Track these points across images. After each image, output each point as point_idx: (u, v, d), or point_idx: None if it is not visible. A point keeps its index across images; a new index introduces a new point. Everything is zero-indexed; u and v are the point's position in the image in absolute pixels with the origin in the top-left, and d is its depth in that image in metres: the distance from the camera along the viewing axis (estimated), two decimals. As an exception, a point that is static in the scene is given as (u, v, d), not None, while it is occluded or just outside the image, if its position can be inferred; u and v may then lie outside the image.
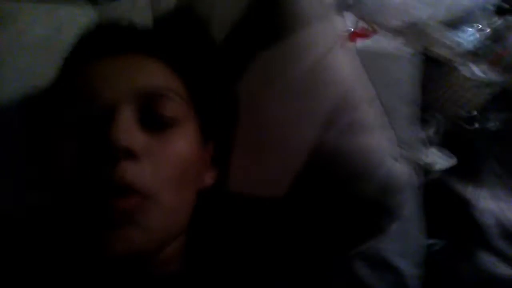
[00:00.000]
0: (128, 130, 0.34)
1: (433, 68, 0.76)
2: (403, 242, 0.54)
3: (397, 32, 0.72)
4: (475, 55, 0.78)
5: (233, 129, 0.48)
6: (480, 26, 0.78)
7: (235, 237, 0.47)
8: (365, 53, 0.68)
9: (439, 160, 0.72)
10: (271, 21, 0.49)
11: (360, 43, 0.67)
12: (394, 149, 0.51)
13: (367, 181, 0.47)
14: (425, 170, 0.70)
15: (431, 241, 0.66)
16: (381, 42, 0.68)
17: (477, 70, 0.76)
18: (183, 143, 0.39)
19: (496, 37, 0.80)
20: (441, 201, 0.69)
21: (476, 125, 0.77)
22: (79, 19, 0.54)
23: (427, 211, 0.63)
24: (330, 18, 0.52)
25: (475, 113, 0.78)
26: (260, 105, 0.49)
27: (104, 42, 0.42)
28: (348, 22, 0.68)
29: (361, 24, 0.70)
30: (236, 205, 0.48)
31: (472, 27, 0.77)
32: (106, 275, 0.37)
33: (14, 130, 0.47)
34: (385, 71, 0.69)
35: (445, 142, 0.78)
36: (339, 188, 0.48)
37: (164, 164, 0.36)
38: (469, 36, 0.77)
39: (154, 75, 0.40)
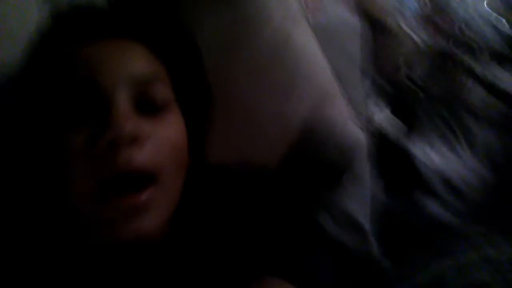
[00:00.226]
0: (128, 116, 0.35)
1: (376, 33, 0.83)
2: (358, 189, 0.62)
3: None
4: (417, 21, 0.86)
5: (208, 106, 0.51)
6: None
7: (214, 206, 0.50)
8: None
9: (385, 119, 0.80)
10: None
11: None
12: (349, 113, 0.59)
13: (326, 144, 0.55)
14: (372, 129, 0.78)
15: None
16: (328, 13, 0.74)
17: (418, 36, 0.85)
18: (176, 125, 0.41)
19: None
20: (385, 155, 0.77)
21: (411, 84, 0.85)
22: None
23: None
24: None
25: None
26: (228, 80, 0.53)
27: (88, 27, 0.41)
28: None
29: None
30: (214, 176, 0.52)
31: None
32: (104, 253, 0.38)
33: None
34: (336, 43, 0.74)
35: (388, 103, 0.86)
36: (303, 153, 0.54)
37: (164, 146, 0.37)
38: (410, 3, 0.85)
39: (144, 61, 0.40)
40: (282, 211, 0.54)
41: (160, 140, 0.37)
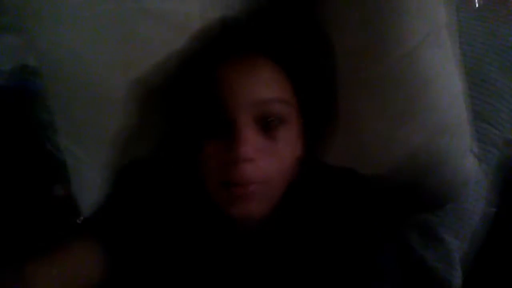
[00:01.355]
0: (248, 140, 0.44)
1: None
2: (456, 219, 0.61)
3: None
4: None
5: (329, 118, 0.55)
6: None
7: (314, 201, 0.53)
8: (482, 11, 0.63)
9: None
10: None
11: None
12: (467, 146, 0.55)
13: (433, 177, 0.54)
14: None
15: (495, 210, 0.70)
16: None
17: None
18: (288, 139, 0.48)
19: None
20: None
21: None
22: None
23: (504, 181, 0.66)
24: (426, 8, 0.51)
25: None
26: (345, 89, 0.54)
27: (230, 45, 0.48)
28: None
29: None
30: (319, 174, 0.55)
31: None
32: (218, 226, 0.49)
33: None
34: (499, 35, 0.64)
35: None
36: (408, 179, 0.54)
37: (274, 161, 0.46)
38: None
39: (270, 84, 0.47)
40: (370, 218, 0.53)
41: (272, 155, 0.46)
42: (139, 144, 0.61)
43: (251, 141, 0.45)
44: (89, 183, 0.63)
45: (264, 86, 0.46)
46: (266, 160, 0.46)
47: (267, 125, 0.46)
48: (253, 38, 0.49)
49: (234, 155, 0.44)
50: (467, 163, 0.54)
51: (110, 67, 0.57)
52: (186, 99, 0.50)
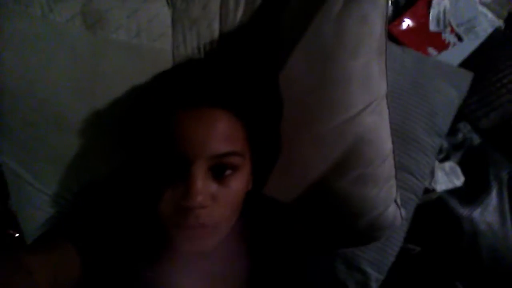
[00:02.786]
0: (202, 190, 0.47)
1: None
2: (378, 254, 0.70)
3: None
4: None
5: (275, 156, 0.61)
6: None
7: (261, 227, 0.60)
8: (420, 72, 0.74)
9: (444, 182, 0.81)
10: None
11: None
12: (392, 196, 0.63)
13: (361, 219, 0.61)
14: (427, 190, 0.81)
15: (411, 246, 0.82)
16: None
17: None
18: (240, 183, 0.51)
19: None
20: (435, 215, 0.82)
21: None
22: (156, 22, 0.62)
23: (420, 222, 0.78)
24: (370, 80, 0.59)
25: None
26: (292, 144, 0.61)
27: (192, 94, 0.50)
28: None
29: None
30: (265, 203, 0.63)
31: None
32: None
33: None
34: (424, 101, 0.75)
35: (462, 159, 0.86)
36: (339, 219, 0.62)
37: (226, 204, 0.50)
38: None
39: (226, 137, 0.49)
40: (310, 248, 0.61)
41: (225, 201, 0.50)
42: (95, 166, 0.63)
43: (205, 190, 0.48)
44: (35, 202, 0.64)
45: (220, 140, 0.49)
46: (220, 206, 0.50)
47: (222, 174, 0.50)
48: (215, 90, 0.52)
49: (188, 203, 0.47)
50: (391, 211, 0.63)
51: (72, 94, 0.58)
52: (144, 139, 0.52)
